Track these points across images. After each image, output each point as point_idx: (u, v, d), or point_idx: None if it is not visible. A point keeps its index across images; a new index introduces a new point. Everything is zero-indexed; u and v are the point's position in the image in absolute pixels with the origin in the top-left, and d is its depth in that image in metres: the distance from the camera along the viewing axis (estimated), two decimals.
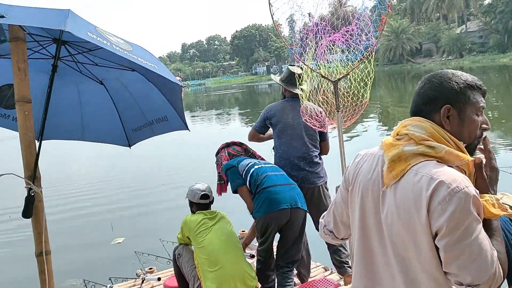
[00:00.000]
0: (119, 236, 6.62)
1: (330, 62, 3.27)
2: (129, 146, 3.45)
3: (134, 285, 4.20)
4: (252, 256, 3.93)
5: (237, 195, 3.51)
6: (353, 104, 3.24)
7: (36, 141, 2.33)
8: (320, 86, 3.36)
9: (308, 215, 3.48)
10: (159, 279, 3.97)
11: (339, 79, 3.17)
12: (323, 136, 3.82)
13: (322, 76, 3.24)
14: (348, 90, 3.25)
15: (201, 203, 3.44)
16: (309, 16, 3.25)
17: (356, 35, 3.09)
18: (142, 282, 4.08)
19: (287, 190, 3.28)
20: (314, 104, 3.47)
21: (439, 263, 1.22)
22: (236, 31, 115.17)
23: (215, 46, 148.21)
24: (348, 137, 12.43)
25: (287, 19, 3.27)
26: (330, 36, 3.19)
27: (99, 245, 6.57)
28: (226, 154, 3.73)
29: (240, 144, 3.84)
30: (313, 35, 3.18)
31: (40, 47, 2.66)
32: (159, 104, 3.18)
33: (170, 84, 2.83)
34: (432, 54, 68.29)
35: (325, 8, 3.15)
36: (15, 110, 2.25)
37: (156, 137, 3.43)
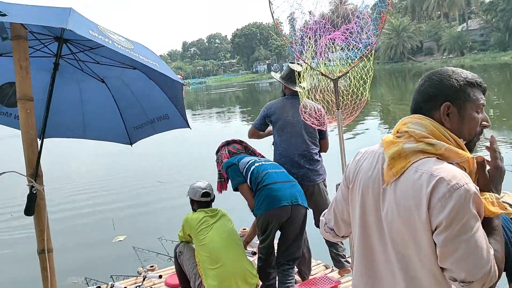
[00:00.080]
0: (120, 234, 6.64)
1: (330, 60, 3.28)
2: (131, 144, 3.46)
3: (135, 283, 4.21)
4: (254, 253, 3.94)
5: (238, 192, 3.52)
6: (352, 102, 3.25)
7: (38, 139, 2.34)
8: (319, 85, 3.37)
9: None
10: (160, 276, 3.98)
11: (339, 77, 3.18)
12: (322, 134, 3.84)
13: (322, 74, 3.25)
14: (348, 88, 3.26)
15: (202, 201, 3.45)
16: (310, 14, 3.25)
17: (356, 33, 3.10)
18: (144, 279, 4.09)
19: (288, 187, 3.29)
20: (314, 102, 3.48)
21: None
22: (237, 29, 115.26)
23: (216, 45, 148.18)
24: (349, 135, 12.43)
25: (288, 17, 3.28)
26: (330, 34, 3.19)
27: (100, 243, 6.58)
28: (227, 152, 3.74)
29: (240, 142, 3.85)
30: (313, 33, 3.18)
31: (41, 45, 2.67)
32: (160, 102, 3.18)
33: (172, 82, 2.84)
34: (433, 52, 68.16)
35: (326, 6, 3.16)
36: (17, 108, 2.25)
37: (157, 135, 3.44)
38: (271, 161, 3.64)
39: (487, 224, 1.24)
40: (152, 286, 4.08)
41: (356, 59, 3.16)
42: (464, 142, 1.31)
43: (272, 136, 3.95)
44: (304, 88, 3.45)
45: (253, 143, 3.96)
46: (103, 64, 2.94)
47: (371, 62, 3.14)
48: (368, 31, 3.07)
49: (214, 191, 3.62)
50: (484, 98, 1.35)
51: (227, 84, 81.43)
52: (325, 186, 3.87)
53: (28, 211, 2.23)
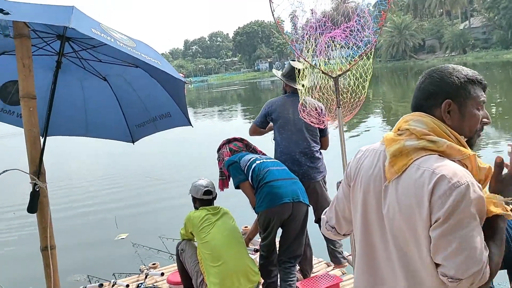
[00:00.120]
0: (122, 232, 6.66)
1: (330, 58, 3.28)
2: (133, 142, 3.47)
3: (137, 280, 4.23)
4: (256, 251, 3.95)
5: (240, 190, 3.53)
6: (351, 100, 3.26)
7: (41, 137, 2.35)
8: (318, 83, 3.38)
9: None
10: (162, 274, 4.00)
11: (339, 75, 3.18)
12: (323, 132, 3.85)
13: (323, 72, 3.25)
14: (348, 86, 3.26)
15: (204, 199, 3.46)
16: (311, 12, 3.25)
17: (356, 31, 3.10)
18: (146, 277, 4.11)
19: (289, 185, 3.29)
20: (314, 100, 3.49)
21: None
22: (239, 27, 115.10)
23: (218, 43, 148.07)
24: (350, 133, 12.42)
25: (289, 15, 3.28)
26: (330, 32, 3.19)
27: (102, 242, 6.60)
28: (228, 150, 3.75)
29: (241, 140, 3.86)
30: (313, 31, 3.19)
31: (44, 44, 2.67)
32: (162, 100, 3.19)
33: (174, 80, 2.85)
34: (435, 50, 67.99)
35: (327, 4, 3.16)
36: (20, 106, 2.26)
37: (157, 135, 3.45)
38: (272, 159, 3.64)
39: (490, 225, 1.24)
40: (154, 284, 4.10)
41: (357, 57, 3.16)
42: (465, 139, 1.31)
43: (272, 131, 3.97)
44: (304, 86, 3.45)
45: (254, 141, 3.97)
46: (105, 62, 2.95)
47: (371, 60, 3.14)
48: (368, 29, 3.07)
49: (216, 189, 3.63)
50: (484, 95, 1.35)
51: (229, 82, 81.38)
52: (325, 183, 3.88)
53: (31, 208, 2.24)
